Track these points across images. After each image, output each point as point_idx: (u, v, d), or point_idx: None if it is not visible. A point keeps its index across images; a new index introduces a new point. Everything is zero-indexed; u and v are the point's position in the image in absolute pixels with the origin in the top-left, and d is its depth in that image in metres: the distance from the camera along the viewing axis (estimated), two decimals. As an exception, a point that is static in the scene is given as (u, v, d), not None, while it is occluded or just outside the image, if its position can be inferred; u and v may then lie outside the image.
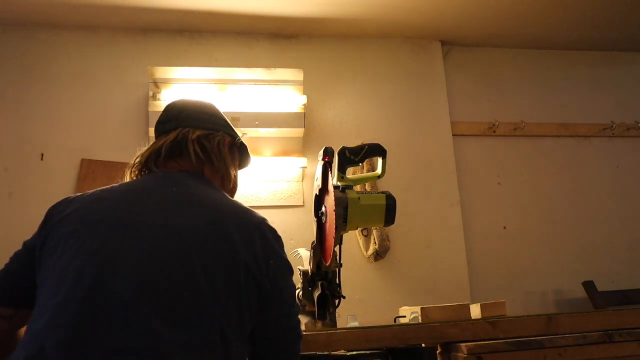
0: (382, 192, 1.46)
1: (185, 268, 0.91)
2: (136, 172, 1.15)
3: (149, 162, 1.14)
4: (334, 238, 1.40)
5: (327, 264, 1.46)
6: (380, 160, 1.51)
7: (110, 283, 0.88)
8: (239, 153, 1.28)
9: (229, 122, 1.27)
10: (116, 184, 1.08)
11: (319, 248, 1.51)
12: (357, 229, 1.50)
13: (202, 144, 1.15)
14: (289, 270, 1.07)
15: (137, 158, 1.16)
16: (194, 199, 1.03)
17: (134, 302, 0.86)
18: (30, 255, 1.01)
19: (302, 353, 1.29)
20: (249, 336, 1.00)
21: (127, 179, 1.15)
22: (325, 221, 1.47)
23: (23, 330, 1.06)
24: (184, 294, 0.90)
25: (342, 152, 1.45)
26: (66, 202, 1.03)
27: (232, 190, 1.22)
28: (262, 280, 0.98)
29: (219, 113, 1.27)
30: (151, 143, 1.18)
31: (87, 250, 0.92)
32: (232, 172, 1.21)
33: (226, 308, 0.92)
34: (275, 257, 1.02)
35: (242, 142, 1.28)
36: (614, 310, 1.63)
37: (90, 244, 0.92)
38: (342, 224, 1.39)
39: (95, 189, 1.06)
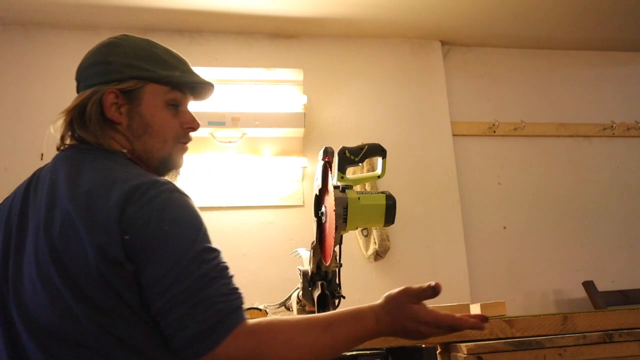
0: (382, 192, 1.46)
1: (49, 285, 0.84)
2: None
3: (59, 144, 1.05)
4: (334, 238, 1.40)
5: (327, 264, 1.46)
6: (380, 160, 1.51)
7: (14, 318, 0.85)
8: (176, 88, 1.07)
9: (129, 58, 1.04)
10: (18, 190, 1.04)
11: (319, 248, 1.51)
12: (357, 229, 1.50)
13: (76, 114, 1.00)
14: (170, 222, 0.84)
15: None
16: (56, 194, 0.91)
17: (29, 335, 0.83)
18: None
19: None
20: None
21: None
22: (325, 221, 1.47)
23: None
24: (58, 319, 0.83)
25: (342, 152, 1.45)
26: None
27: (145, 140, 1.03)
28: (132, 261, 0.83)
29: (110, 54, 1.04)
30: None
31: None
32: (123, 130, 1.01)
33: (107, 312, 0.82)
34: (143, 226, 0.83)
35: (160, 78, 1.04)
36: (620, 310, 1.63)
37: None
38: (342, 224, 1.39)
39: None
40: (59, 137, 1.05)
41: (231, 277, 0.86)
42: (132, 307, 0.82)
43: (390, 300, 0.91)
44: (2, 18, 2.33)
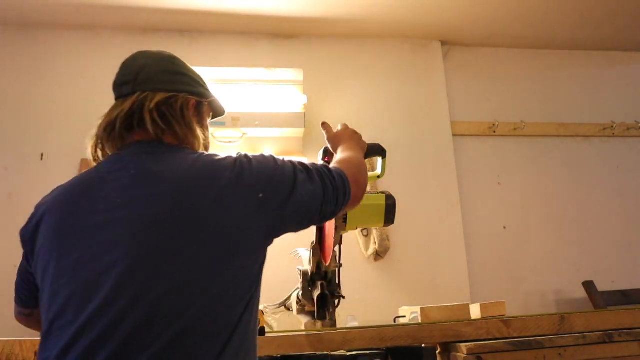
0: (382, 192, 1.46)
1: (177, 261, 0.88)
2: (94, 152, 1.06)
3: (104, 138, 1.05)
4: (334, 238, 1.40)
5: (327, 264, 1.46)
6: (380, 160, 1.51)
7: (117, 296, 0.85)
8: (212, 108, 1.22)
9: (196, 76, 1.19)
10: (77, 177, 1.04)
11: (318, 248, 1.51)
12: (357, 229, 1.50)
13: (161, 112, 1.04)
14: (272, 175, 1.01)
15: (95, 130, 1.06)
16: (155, 177, 0.95)
17: (143, 312, 0.84)
18: (26, 268, 1.03)
19: (302, 353, 1.29)
20: None
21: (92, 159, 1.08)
22: (325, 221, 1.47)
23: None
24: (186, 290, 0.87)
25: (342, 152, 1.45)
26: (37, 207, 1.02)
27: (205, 149, 1.16)
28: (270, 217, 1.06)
29: (183, 68, 1.16)
30: (108, 110, 1.09)
31: (72, 266, 0.89)
32: (201, 135, 1.12)
33: (223, 278, 0.93)
34: (258, 187, 0.99)
35: (212, 99, 1.20)
36: (619, 310, 1.63)
37: (71, 257, 0.90)
38: (342, 224, 1.39)
39: (57, 187, 1.03)
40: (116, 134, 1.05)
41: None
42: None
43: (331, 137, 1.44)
44: (2, 18, 2.33)
